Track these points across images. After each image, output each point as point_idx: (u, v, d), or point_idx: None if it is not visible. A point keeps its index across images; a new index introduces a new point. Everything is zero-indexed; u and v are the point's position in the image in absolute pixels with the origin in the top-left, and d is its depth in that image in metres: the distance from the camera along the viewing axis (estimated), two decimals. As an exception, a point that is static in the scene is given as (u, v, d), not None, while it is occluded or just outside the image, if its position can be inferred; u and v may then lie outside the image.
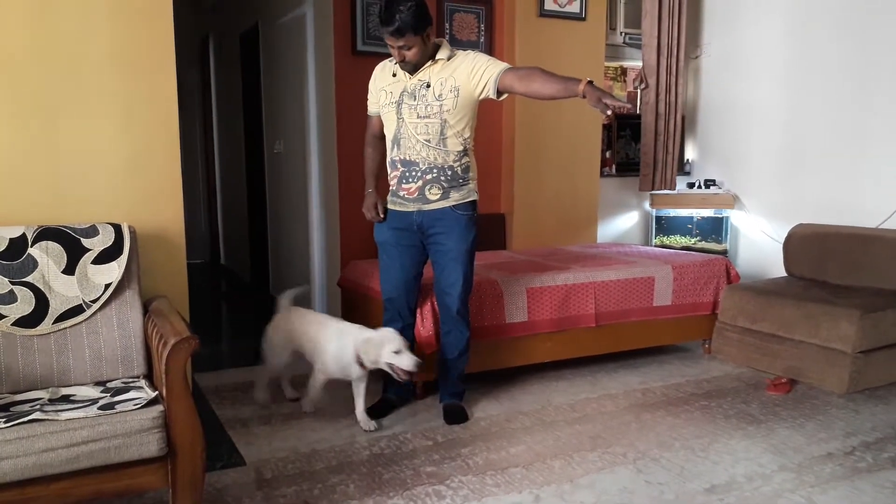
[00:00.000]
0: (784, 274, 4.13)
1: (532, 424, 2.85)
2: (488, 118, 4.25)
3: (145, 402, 1.85)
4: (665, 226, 5.12)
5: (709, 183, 4.89)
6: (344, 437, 2.70)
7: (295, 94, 4.46)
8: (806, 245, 3.99)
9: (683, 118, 5.07)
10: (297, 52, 4.34)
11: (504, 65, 2.61)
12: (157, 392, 1.94)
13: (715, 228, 4.83)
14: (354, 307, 3.62)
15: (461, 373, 2.95)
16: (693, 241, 4.95)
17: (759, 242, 4.62)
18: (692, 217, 4.97)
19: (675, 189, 5.05)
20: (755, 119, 4.63)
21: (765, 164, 4.57)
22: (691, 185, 5.01)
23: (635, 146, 5.10)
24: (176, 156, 2.59)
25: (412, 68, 2.62)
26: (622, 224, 5.22)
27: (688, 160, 5.18)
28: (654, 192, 5.09)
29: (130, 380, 2.17)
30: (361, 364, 2.70)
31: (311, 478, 2.35)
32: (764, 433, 2.78)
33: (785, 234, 4.11)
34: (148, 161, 2.54)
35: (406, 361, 2.60)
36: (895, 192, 3.79)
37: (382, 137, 2.82)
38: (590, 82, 2.40)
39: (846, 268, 3.77)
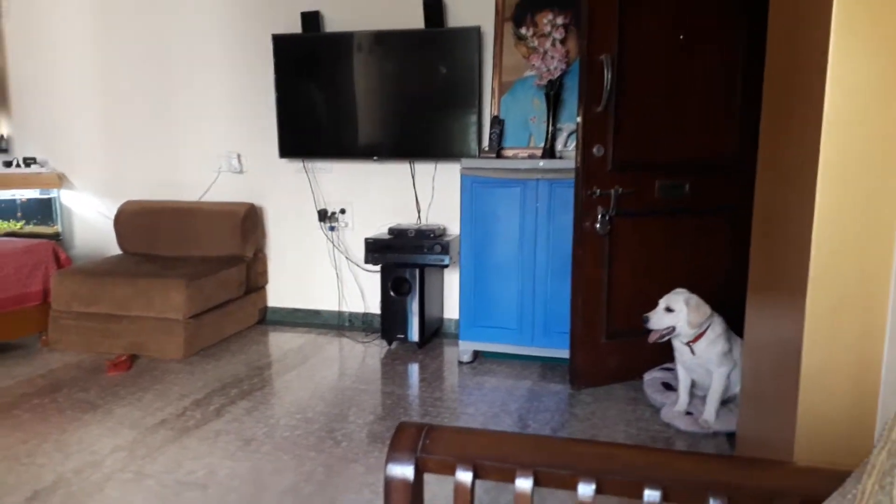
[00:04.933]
0: (120, 252, 4.11)
1: None
2: None
3: None
4: (-15, 210, 4.44)
5: (28, 161, 4.43)
6: None
7: None
8: (136, 221, 4.06)
9: (-7, 87, 4.44)
10: None
11: None
12: None
13: (43, 210, 4.44)
14: None
15: None
16: (20, 225, 4.44)
17: (93, 221, 4.46)
18: (16, 199, 4.45)
19: (-9, 168, 4.41)
20: (72, 94, 4.38)
21: (89, 140, 4.40)
22: (9, 164, 4.46)
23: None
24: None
25: None
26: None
27: (2, 136, 4.57)
28: (-38, 171, 4.34)
29: None
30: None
31: None
32: (101, 418, 2.70)
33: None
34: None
35: None
36: (211, 168, 4.17)
37: None
38: None
39: (174, 240, 3.99)
